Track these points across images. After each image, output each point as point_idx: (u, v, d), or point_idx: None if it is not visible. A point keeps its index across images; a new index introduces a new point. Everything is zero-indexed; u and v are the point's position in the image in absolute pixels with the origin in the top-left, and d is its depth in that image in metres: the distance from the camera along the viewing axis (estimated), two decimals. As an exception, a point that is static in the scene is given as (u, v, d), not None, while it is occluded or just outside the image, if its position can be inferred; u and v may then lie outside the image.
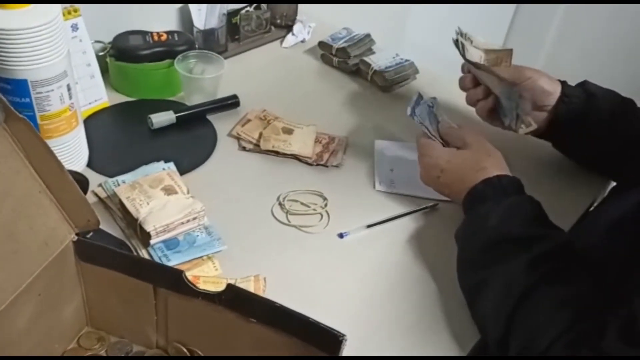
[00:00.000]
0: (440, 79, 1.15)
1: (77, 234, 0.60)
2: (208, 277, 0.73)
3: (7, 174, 0.54)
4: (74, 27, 0.90)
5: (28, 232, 0.55)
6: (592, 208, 0.95)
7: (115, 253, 0.61)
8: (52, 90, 0.76)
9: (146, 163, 0.87)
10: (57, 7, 0.74)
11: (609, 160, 0.93)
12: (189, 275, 0.62)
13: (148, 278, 0.60)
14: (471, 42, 0.92)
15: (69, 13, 0.89)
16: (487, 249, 0.74)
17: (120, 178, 0.84)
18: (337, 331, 0.54)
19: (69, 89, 0.78)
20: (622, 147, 0.90)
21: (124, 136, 0.96)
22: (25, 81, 0.74)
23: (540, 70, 0.93)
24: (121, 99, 1.03)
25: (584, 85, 0.93)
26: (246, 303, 0.58)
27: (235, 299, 0.58)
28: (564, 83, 0.93)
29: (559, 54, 2.06)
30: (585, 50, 1.99)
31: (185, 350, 0.64)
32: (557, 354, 0.62)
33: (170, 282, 0.59)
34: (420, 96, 0.93)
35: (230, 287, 0.57)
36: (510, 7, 1.96)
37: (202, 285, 0.61)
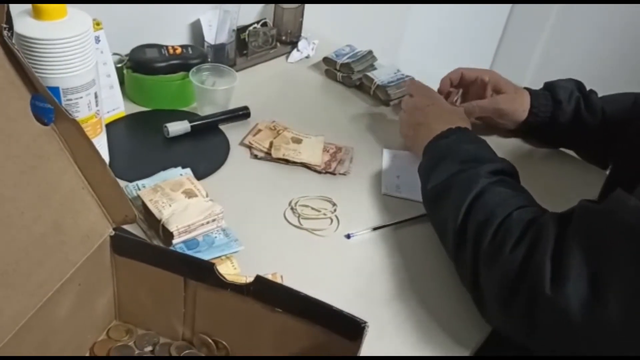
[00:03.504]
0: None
1: (114, 229, 0.64)
2: (229, 274, 0.77)
3: (55, 171, 0.58)
4: (97, 40, 0.95)
5: (73, 225, 0.59)
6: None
7: (149, 246, 0.66)
8: (82, 97, 0.80)
9: (163, 169, 0.91)
10: (89, 20, 0.78)
11: (585, 150, 1.06)
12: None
13: (180, 270, 0.64)
14: None
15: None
16: (452, 166, 0.83)
17: (140, 182, 0.89)
18: (359, 318, 0.58)
19: (96, 97, 0.83)
20: (591, 137, 1.02)
21: (140, 144, 1.00)
22: (57, 89, 0.78)
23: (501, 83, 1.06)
24: (136, 108, 1.07)
25: (550, 90, 1.03)
26: (273, 293, 0.61)
27: (263, 290, 0.62)
28: (531, 94, 1.03)
29: (553, 53, 2.11)
30: (580, 50, 2.04)
31: (210, 340, 0.68)
32: (513, 221, 0.71)
33: (201, 274, 0.63)
34: None
35: (258, 278, 0.62)
36: (505, 8, 2.01)
37: (224, 282, 0.64)
